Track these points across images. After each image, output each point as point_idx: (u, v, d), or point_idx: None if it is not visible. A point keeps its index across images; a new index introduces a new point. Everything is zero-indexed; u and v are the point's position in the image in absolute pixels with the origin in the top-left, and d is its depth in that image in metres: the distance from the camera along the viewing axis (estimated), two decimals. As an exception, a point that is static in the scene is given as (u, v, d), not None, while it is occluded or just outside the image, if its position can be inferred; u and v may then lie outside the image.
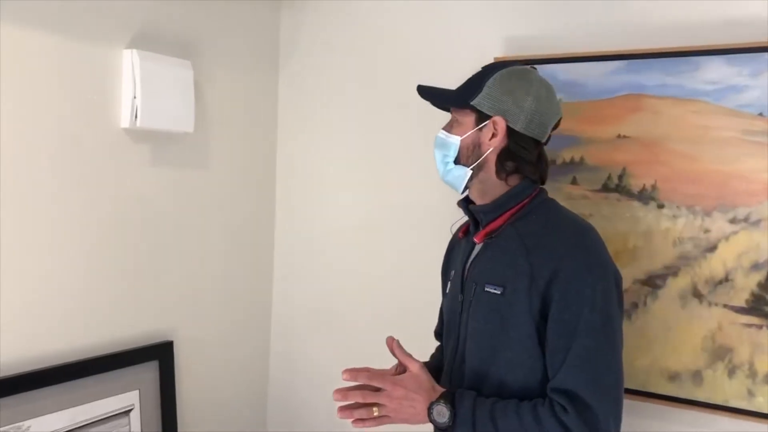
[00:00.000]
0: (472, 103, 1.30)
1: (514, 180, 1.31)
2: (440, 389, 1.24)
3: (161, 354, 1.74)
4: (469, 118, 1.31)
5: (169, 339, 1.78)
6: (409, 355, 1.27)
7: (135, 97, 1.60)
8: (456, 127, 1.34)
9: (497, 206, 1.30)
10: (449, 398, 1.21)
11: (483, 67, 1.37)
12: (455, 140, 1.32)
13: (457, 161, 1.32)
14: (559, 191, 1.61)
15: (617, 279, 1.23)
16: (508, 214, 1.29)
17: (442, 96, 1.38)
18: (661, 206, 1.51)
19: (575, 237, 1.23)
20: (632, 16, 1.56)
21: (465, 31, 1.80)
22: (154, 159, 1.72)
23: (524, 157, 1.30)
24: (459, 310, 1.33)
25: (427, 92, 1.40)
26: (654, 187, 1.52)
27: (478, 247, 1.33)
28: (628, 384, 1.53)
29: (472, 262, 1.34)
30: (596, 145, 1.57)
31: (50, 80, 1.48)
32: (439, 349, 1.55)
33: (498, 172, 1.30)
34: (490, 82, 1.30)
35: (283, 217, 2.14)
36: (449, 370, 1.36)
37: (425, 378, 1.24)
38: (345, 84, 2.01)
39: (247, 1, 1.97)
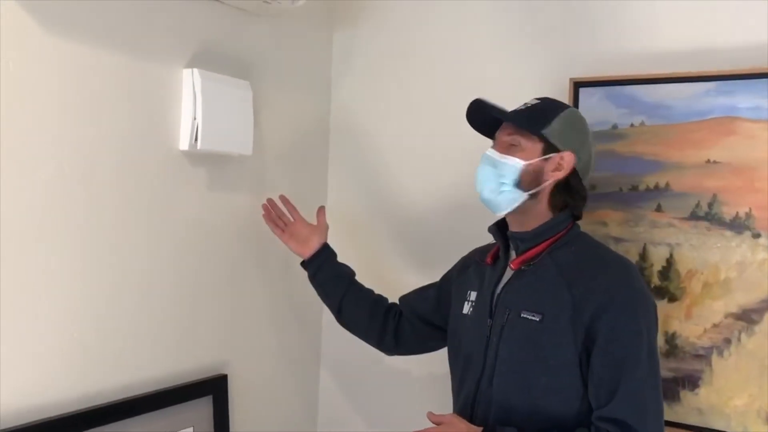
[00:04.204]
0: (543, 132, 1.32)
1: (556, 212, 1.35)
2: (476, 428, 1.26)
3: (216, 389, 1.64)
4: (536, 146, 1.33)
5: (223, 372, 1.68)
6: (440, 414, 1.30)
7: (195, 119, 1.53)
8: (517, 151, 1.34)
9: (536, 234, 1.34)
10: None
11: (540, 100, 1.38)
12: (517, 163, 1.32)
13: (517, 185, 1.32)
14: (642, 219, 1.53)
15: (656, 310, 1.31)
16: (546, 243, 1.33)
17: (512, 116, 1.36)
18: (756, 236, 1.42)
19: (621, 272, 1.29)
20: (718, 36, 1.49)
21: (535, 52, 1.70)
22: (211, 183, 1.64)
23: (580, 193, 1.36)
24: (487, 335, 1.34)
25: (490, 109, 1.37)
26: (748, 215, 1.43)
27: (509, 274, 1.36)
28: (723, 426, 1.45)
29: (503, 287, 1.35)
30: (683, 171, 1.49)
31: (109, 99, 1.39)
32: (374, 295, 1.68)
33: (551, 204, 1.34)
34: (562, 117, 1.34)
35: (332, 243, 2.05)
36: (471, 394, 1.36)
37: (458, 421, 1.28)
38: (397, 110, 1.93)
39: (301, 23, 1.90)
